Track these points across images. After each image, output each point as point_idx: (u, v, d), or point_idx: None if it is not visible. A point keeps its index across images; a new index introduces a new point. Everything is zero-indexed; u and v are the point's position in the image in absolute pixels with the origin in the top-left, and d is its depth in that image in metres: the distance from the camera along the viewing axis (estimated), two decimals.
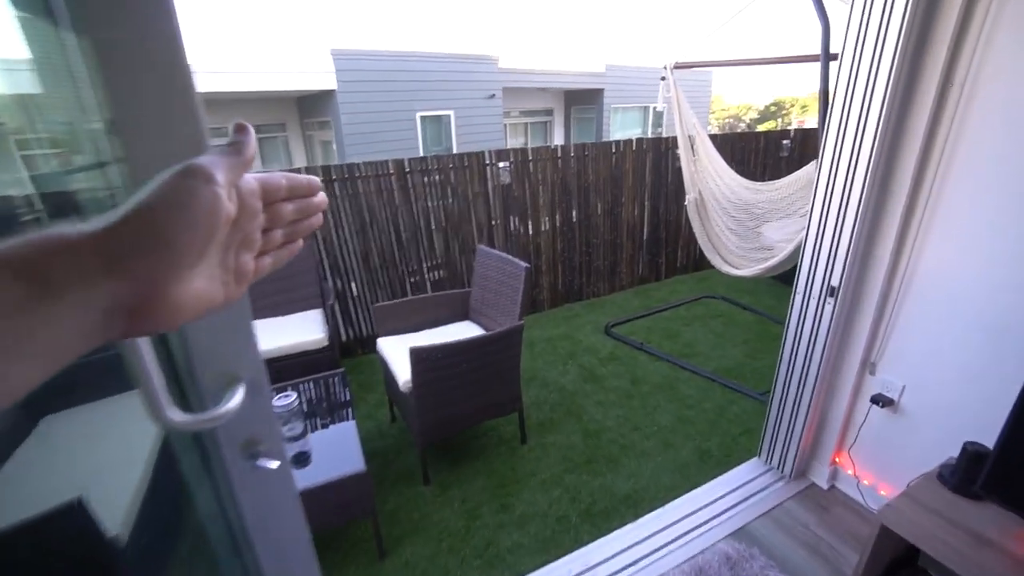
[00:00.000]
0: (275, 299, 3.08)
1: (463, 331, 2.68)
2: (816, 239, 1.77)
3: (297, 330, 2.82)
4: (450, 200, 3.59)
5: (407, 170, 3.39)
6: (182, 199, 0.25)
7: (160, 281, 0.24)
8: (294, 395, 1.96)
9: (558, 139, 13.09)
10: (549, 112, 12.87)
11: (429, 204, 3.54)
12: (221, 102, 8.40)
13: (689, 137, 3.45)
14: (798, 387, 2.00)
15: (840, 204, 1.66)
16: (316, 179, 0.37)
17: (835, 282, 1.75)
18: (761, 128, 26.51)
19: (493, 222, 3.81)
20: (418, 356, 2.05)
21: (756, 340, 3.44)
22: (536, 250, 4.05)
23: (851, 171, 1.61)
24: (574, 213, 4.12)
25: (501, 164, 3.65)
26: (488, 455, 2.45)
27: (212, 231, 0.26)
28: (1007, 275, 1.44)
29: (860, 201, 1.60)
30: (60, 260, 0.21)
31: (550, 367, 3.25)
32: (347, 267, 3.45)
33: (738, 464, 2.26)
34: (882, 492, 1.92)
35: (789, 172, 5.49)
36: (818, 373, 1.90)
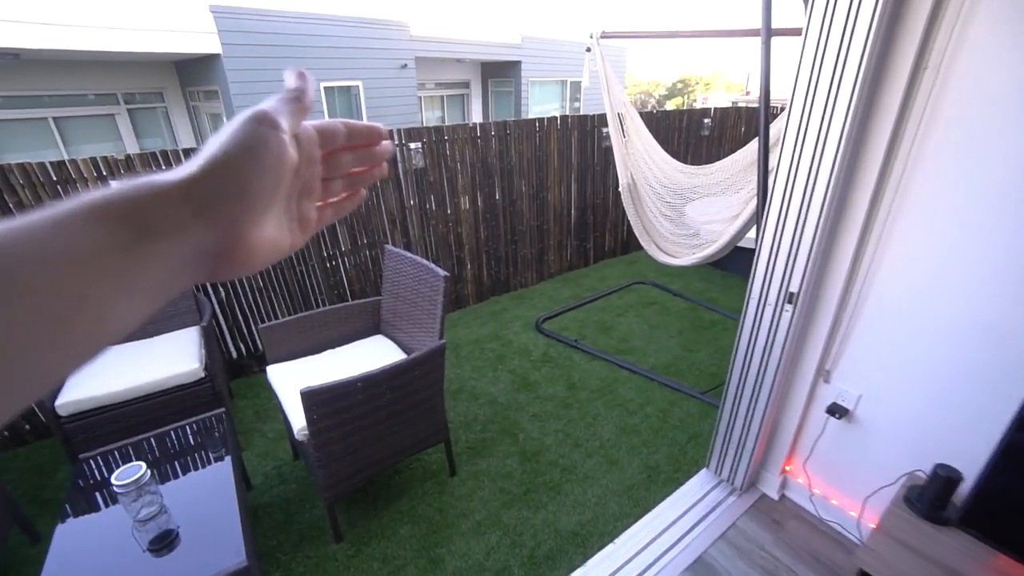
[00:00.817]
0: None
1: (374, 350, 2.26)
2: (774, 242, 1.56)
3: (163, 359, 2.24)
4: None
5: None
6: (254, 145, 0.26)
7: (241, 225, 0.25)
8: (142, 467, 1.48)
9: (476, 113, 12.54)
10: (466, 84, 12.24)
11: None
12: (77, 63, 6.95)
13: (619, 115, 3.19)
14: (751, 398, 1.83)
15: (802, 203, 1.45)
16: (379, 126, 0.34)
17: (794, 288, 1.56)
18: (672, 104, 27.53)
19: (407, 211, 3.35)
20: (311, 400, 1.62)
21: (691, 330, 3.34)
22: (457, 240, 3.66)
23: (815, 165, 1.39)
24: (497, 198, 3.76)
25: (413, 145, 3.18)
26: (413, 494, 2.09)
27: (281, 177, 0.27)
28: (977, 279, 1.30)
29: (824, 199, 1.39)
30: (156, 206, 0.22)
31: (479, 375, 2.92)
32: None
33: (687, 478, 2.09)
34: (834, 502, 1.82)
35: (710, 152, 5.53)
36: (773, 383, 1.74)
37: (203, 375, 2.23)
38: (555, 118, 3.89)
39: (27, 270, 0.18)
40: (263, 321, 3.03)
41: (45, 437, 2.53)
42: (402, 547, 1.86)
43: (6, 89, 6.65)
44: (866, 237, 1.45)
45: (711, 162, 2.92)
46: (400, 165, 3.22)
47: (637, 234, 3.24)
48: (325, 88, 8.38)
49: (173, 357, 2.26)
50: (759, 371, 1.77)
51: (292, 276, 3.05)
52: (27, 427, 2.50)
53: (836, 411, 1.68)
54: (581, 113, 4.84)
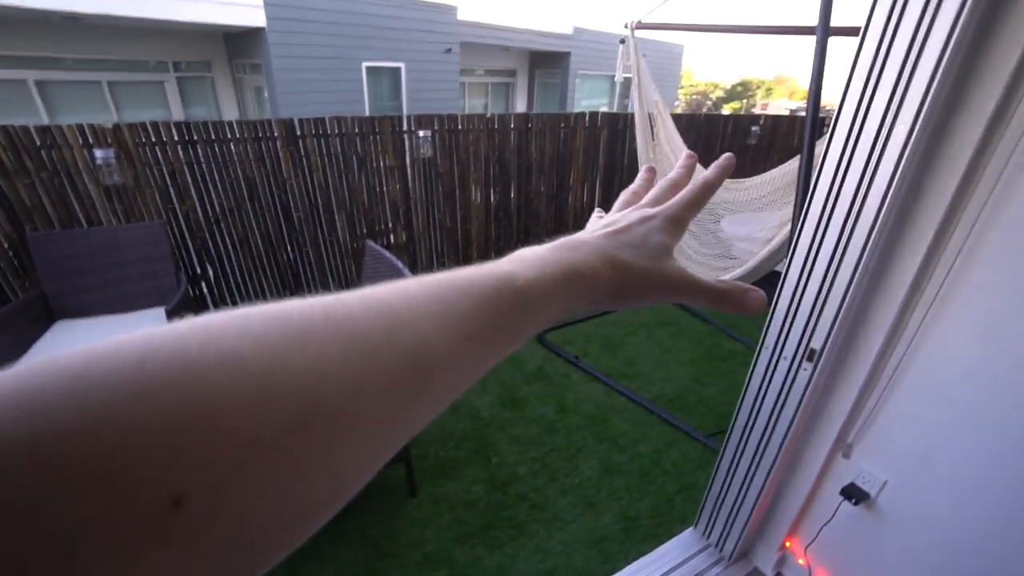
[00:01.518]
0: (112, 290, 2.38)
1: None
2: (799, 283, 1.27)
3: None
4: (355, 174, 2.91)
5: (298, 133, 2.69)
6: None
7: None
8: None
9: (520, 103, 12.27)
10: (512, 73, 11.98)
11: (328, 177, 2.86)
12: (131, 30, 7.14)
13: (649, 115, 2.89)
14: (754, 458, 1.55)
15: (839, 239, 1.16)
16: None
17: (816, 344, 1.27)
18: (727, 108, 26.34)
19: (412, 202, 3.17)
20: None
21: (706, 359, 3.03)
22: (465, 237, 3.46)
23: (860, 195, 1.10)
24: (512, 196, 3.53)
25: (421, 133, 2.98)
26: (363, 511, 1.92)
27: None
28: None
29: (868, 240, 1.10)
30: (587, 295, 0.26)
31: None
32: (220, 253, 2.75)
33: (670, 536, 1.82)
34: None
35: (756, 161, 5.08)
36: (780, 447, 1.45)
37: None
38: (583, 113, 3.61)
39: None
40: (252, 301, 2.93)
41: None
42: (339, 574, 1.69)
43: (64, 52, 6.90)
44: (917, 293, 1.15)
45: (754, 174, 2.59)
46: (408, 154, 3.04)
47: None
48: (367, 68, 8.32)
49: None
50: (766, 430, 1.48)
51: (283, 260, 2.93)
52: None
53: (853, 495, 1.38)
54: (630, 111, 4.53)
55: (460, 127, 3.11)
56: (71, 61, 7.07)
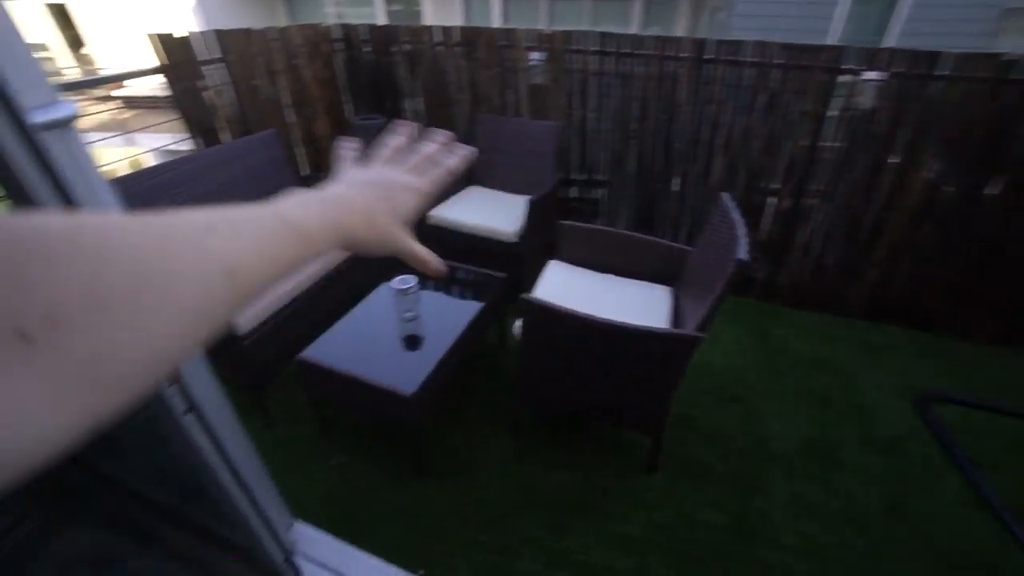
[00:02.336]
0: (507, 172, 2.90)
1: (649, 297, 1.95)
2: None
3: (499, 214, 2.60)
4: (761, 115, 2.44)
5: (707, 56, 2.39)
6: (393, 208, 0.39)
7: (369, 247, 0.38)
8: (414, 280, 1.84)
9: None
10: None
11: (725, 112, 2.50)
12: None
13: None
14: None
15: None
16: (438, 143, 0.45)
17: None
18: None
19: (817, 165, 2.48)
20: (530, 307, 1.54)
21: None
22: (877, 226, 2.52)
23: None
24: (999, 191, 2.28)
25: (868, 75, 2.18)
26: (591, 466, 1.87)
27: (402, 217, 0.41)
28: None
29: None
30: (319, 240, 0.32)
31: (783, 402, 2.16)
32: (594, 164, 2.92)
33: None
34: None
35: None
36: None
37: (516, 240, 2.49)
38: None
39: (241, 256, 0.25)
40: (603, 220, 3.07)
41: None
42: (533, 521, 1.70)
43: None
44: None
45: None
46: (838, 101, 2.31)
47: None
48: None
49: (505, 215, 2.58)
50: None
51: (646, 190, 2.87)
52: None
53: None
54: None
55: (946, 71, 2.10)
56: None
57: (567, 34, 2.61)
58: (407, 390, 1.54)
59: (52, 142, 0.58)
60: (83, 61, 9.49)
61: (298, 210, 0.31)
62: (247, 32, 2.60)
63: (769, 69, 2.32)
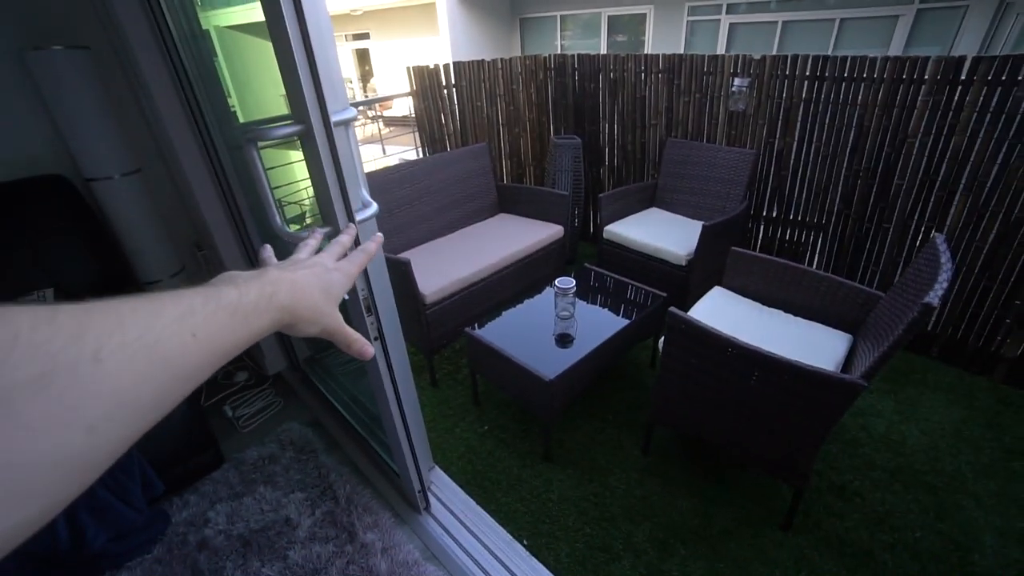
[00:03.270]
0: (689, 197, 2.88)
1: (820, 344, 1.76)
2: None
3: (672, 236, 2.62)
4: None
5: (962, 77, 2.01)
6: (330, 295, 0.44)
7: (306, 328, 0.41)
8: (573, 282, 2.02)
9: None
10: None
11: (975, 145, 2.07)
12: None
13: None
14: None
15: None
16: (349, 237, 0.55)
17: None
18: None
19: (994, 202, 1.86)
20: (673, 321, 1.58)
21: None
22: None
23: None
24: None
25: None
26: (728, 501, 1.77)
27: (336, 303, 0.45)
28: None
29: None
30: (263, 321, 0.35)
31: (998, 517, 1.71)
32: (790, 198, 2.69)
33: None
34: None
35: None
36: None
37: (684, 264, 2.48)
38: None
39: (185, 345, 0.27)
40: (792, 257, 2.79)
41: None
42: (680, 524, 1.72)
43: None
44: None
45: None
46: None
47: None
48: None
49: (677, 241, 2.59)
50: None
51: (849, 229, 2.53)
52: None
53: None
54: None
55: None
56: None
57: (778, 59, 2.49)
58: (548, 376, 1.72)
59: (339, 134, 0.91)
60: (368, 90, 12.69)
61: (233, 290, 0.32)
62: (479, 63, 3.17)
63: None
